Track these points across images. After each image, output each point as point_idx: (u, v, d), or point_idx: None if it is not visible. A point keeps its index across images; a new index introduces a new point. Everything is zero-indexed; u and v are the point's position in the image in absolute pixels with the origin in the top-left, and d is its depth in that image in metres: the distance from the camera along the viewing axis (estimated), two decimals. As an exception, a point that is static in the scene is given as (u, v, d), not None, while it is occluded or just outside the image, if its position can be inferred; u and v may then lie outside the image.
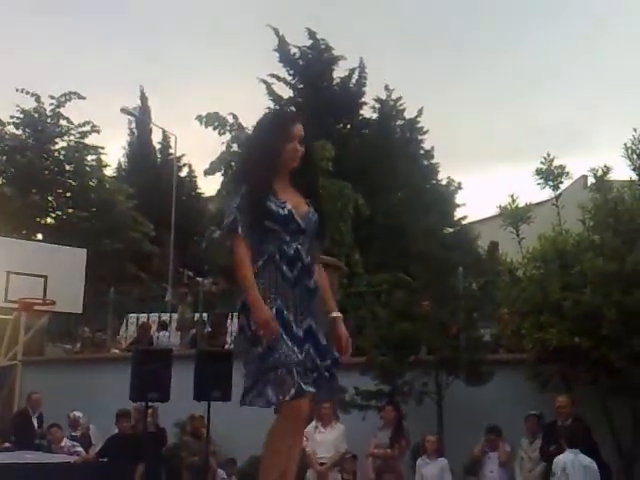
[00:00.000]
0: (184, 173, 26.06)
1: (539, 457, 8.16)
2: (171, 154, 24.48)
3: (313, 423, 9.33)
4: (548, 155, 9.13)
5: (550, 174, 8.96)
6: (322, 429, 9.27)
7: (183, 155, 25.42)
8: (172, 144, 23.75)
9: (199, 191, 26.56)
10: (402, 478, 8.77)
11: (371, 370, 9.38)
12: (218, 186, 19.81)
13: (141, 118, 24.83)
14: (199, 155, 45.58)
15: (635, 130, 8.52)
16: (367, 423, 9.24)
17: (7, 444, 10.01)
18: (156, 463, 9.49)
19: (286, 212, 3.20)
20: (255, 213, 3.16)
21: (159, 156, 26.07)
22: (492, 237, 17.43)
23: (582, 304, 7.71)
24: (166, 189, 21.17)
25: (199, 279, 20.73)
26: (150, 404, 9.30)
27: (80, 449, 9.82)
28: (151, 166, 24.95)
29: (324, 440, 9.18)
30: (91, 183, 18.93)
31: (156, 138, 26.11)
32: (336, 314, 3.38)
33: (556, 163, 9.12)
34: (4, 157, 18.24)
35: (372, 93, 22.40)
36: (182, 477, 10.23)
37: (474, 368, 8.82)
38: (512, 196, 9.35)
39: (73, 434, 10.55)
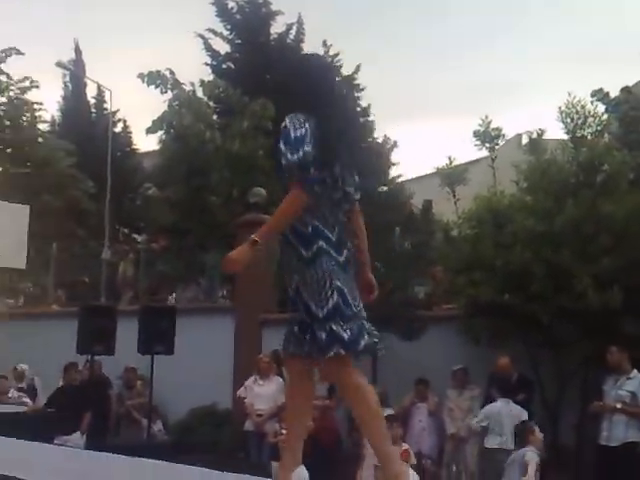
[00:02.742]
0: (119, 129, 25.54)
1: (469, 407, 8.64)
2: (106, 109, 23.97)
3: (252, 376, 9.69)
4: (486, 117, 9.46)
5: (487, 136, 9.26)
6: (260, 382, 9.56)
7: (118, 110, 24.89)
8: (107, 99, 23.29)
9: (134, 147, 26.13)
10: (338, 428, 9.16)
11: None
12: (156, 142, 19.69)
13: (75, 72, 24.16)
14: (135, 110, 44.78)
15: (569, 94, 8.86)
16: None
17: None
18: (102, 412, 9.70)
19: None
20: None
21: (94, 111, 25.44)
22: (426, 195, 17.81)
23: (512, 262, 8.11)
24: (100, 145, 20.79)
25: (135, 236, 20.63)
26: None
27: (27, 400, 9.92)
28: (85, 121, 24.32)
29: (262, 392, 9.48)
30: (40, 140, 18.59)
31: (90, 93, 25.52)
32: None
33: (493, 125, 9.47)
34: (-57, 113, 17.72)
35: (310, 49, 22.36)
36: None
37: (408, 324, 9.21)
38: (449, 158, 9.67)
39: (20, 385, 10.63)
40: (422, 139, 42.68)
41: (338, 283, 2.87)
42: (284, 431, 8.59)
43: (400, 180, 21.98)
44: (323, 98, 2.97)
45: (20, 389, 10.45)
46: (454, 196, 9.56)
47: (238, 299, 11.79)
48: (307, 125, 2.86)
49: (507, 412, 7.79)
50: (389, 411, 8.56)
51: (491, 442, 7.83)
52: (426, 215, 16.37)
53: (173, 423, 11.14)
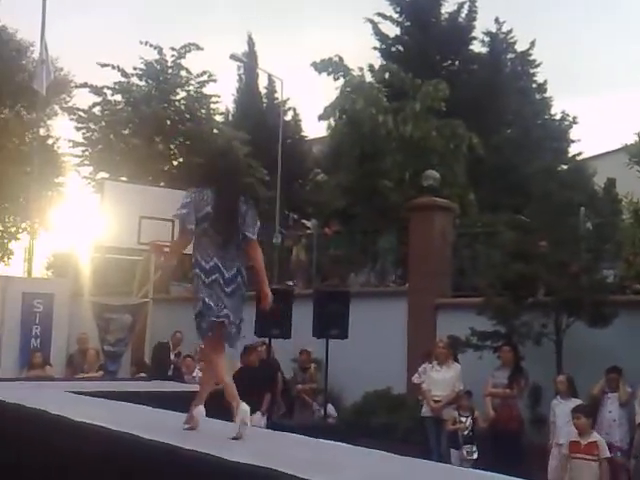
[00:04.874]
0: (288, 117, 26.15)
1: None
2: (277, 98, 24.59)
3: (427, 362, 9.51)
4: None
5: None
6: (438, 367, 9.38)
7: (288, 99, 25.46)
8: (278, 88, 23.88)
9: (303, 134, 26.65)
10: (521, 417, 8.79)
11: (487, 311, 9.37)
12: (325, 129, 19.90)
13: (248, 64, 24.94)
14: (302, 98, 45.71)
15: None
16: (483, 363, 9.27)
17: (142, 374, 10.61)
18: (273, 394, 9.90)
19: None
20: None
21: (265, 101, 26.20)
22: (611, 173, 16.73)
23: None
24: (271, 133, 21.35)
25: (304, 221, 21.03)
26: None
27: (209, 379, 10.26)
28: (257, 111, 25.11)
29: (439, 378, 9.30)
30: (215, 131, 19.44)
31: (262, 83, 26.26)
32: None
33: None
34: (129, 108, 18.89)
35: (482, 27, 21.75)
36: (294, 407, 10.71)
37: (597, 309, 8.66)
38: (639, 134, 8.96)
39: (205, 366, 11.03)
40: (606, 114, 40.21)
41: (202, 295, 4.35)
42: (463, 418, 8.45)
43: (581, 157, 20.87)
44: (220, 178, 4.48)
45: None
46: (644, 173, 8.79)
47: (412, 283, 11.64)
48: (192, 196, 4.38)
49: None
50: (576, 401, 8.08)
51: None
52: (609, 194, 15.39)
53: (347, 406, 11.20)
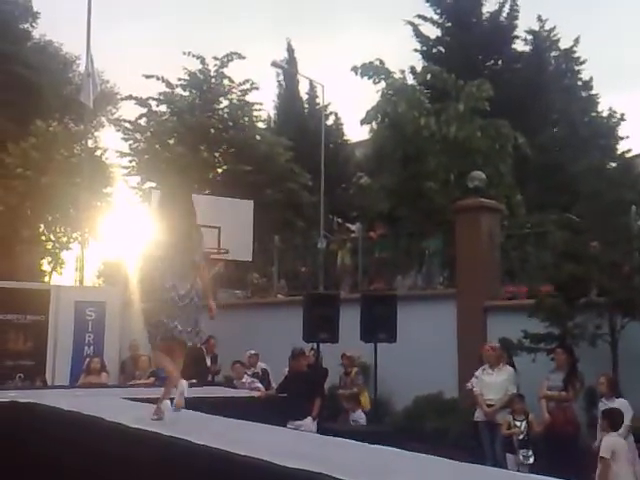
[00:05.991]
0: (330, 121, 26.21)
1: None
2: (318, 104, 24.69)
3: (482, 366, 9.37)
4: None
5: None
6: (490, 371, 9.22)
7: (329, 104, 25.52)
8: (319, 93, 23.98)
9: (345, 138, 26.69)
10: (576, 420, 8.60)
11: (539, 312, 9.22)
12: (367, 132, 19.91)
13: (288, 70, 25.10)
14: (343, 102, 45.71)
15: None
16: (537, 366, 9.10)
17: (193, 380, 10.67)
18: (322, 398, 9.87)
19: None
20: None
21: (306, 106, 26.32)
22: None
23: None
24: (314, 138, 21.42)
25: (348, 225, 21.03)
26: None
27: (259, 385, 10.28)
28: (299, 117, 25.23)
29: (492, 382, 9.14)
30: (258, 138, 19.61)
31: (303, 89, 26.41)
32: None
33: None
34: (174, 117, 19.17)
35: (524, 26, 21.59)
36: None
37: (652, 309, 8.47)
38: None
39: (255, 371, 11.08)
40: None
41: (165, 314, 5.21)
42: (517, 422, 8.31)
43: (630, 154, 20.49)
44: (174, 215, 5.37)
45: (254, 374, 10.90)
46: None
47: (460, 285, 11.51)
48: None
49: None
50: (621, 402, 7.86)
51: None
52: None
53: (398, 411, 11.11)
